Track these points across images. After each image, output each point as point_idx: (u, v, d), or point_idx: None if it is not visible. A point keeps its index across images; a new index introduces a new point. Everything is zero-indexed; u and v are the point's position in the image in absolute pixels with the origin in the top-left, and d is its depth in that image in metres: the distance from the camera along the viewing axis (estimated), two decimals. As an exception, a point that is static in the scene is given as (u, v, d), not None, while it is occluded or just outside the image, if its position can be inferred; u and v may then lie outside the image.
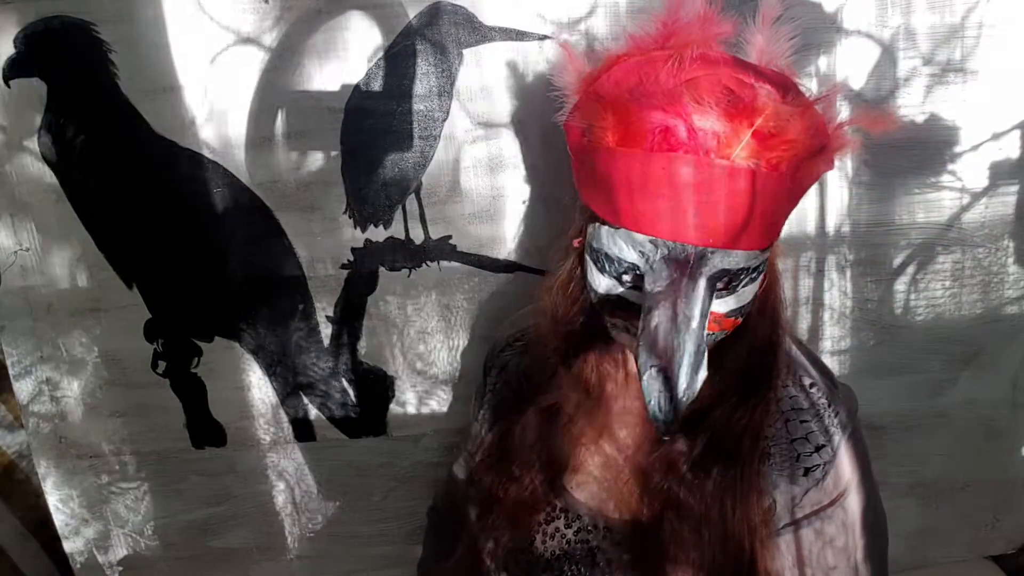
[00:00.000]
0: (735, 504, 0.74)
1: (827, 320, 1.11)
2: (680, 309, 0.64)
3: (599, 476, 0.81)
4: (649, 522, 0.76)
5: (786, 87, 0.66)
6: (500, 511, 0.83)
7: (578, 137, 0.71)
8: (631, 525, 0.78)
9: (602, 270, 0.70)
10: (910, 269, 1.09)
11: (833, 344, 1.12)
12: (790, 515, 0.77)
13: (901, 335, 1.12)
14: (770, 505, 0.76)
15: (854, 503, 0.78)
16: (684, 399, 0.64)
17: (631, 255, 0.67)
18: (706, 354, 0.65)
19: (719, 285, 0.67)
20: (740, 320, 0.71)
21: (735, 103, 0.63)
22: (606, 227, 0.69)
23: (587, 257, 0.72)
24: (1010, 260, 1.10)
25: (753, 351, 0.75)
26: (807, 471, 0.76)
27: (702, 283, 0.65)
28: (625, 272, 0.68)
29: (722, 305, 0.68)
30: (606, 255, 0.69)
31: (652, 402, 0.65)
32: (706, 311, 0.65)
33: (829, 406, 0.79)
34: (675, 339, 0.64)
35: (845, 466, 0.78)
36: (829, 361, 1.12)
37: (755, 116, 0.62)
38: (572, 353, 0.79)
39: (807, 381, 0.80)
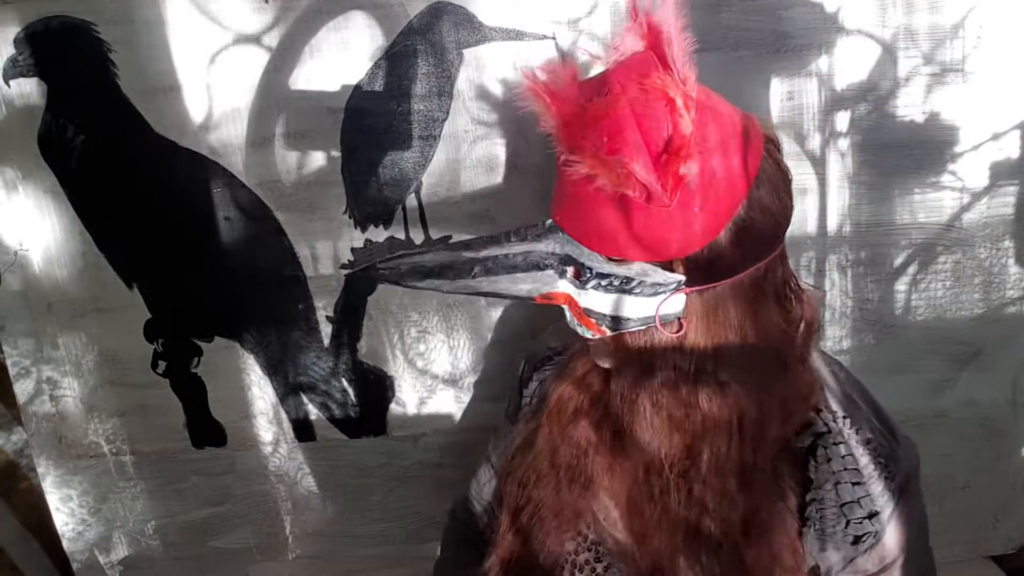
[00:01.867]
0: (770, 561, 0.71)
1: (827, 320, 1.11)
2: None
3: (628, 510, 0.78)
4: (679, 557, 0.73)
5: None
6: (532, 511, 0.79)
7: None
8: (662, 561, 0.75)
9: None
10: (910, 269, 1.09)
11: (833, 344, 1.12)
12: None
13: (901, 335, 1.12)
14: (812, 570, 0.73)
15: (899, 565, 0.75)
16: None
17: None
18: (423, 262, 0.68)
19: (568, 272, 0.67)
20: (604, 330, 0.68)
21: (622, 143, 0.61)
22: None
23: None
24: (1010, 260, 1.10)
25: (775, 402, 0.70)
26: (857, 539, 0.72)
27: (548, 244, 0.67)
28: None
29: (580, 297, 0.68)
30: None
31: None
32: (512, 257, 0.67)
33: (886, 467, 0.73)
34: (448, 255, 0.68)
35: (896, 535, 0.73)
36: (829, 361, 1.12)
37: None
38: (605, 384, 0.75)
39: (865, 436, 0.74)
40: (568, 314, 0.71)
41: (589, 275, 0.66)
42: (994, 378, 1.15)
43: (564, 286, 0.68)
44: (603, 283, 0.66)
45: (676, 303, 0.65)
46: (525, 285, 0.69)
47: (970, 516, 1.23)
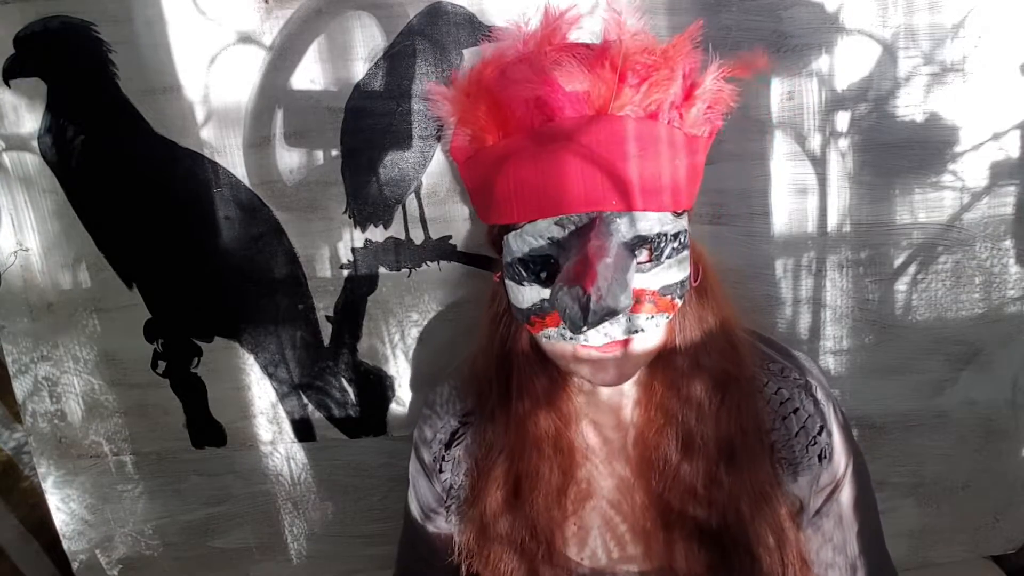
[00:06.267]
0: (755, 517, 0.72)
1: (827, 320, 1.11)
2: (592, 247, 0.60)
3: (605, 530, 0.79)
4: (674, 558, 0.74)
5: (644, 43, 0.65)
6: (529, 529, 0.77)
7: (466, 155, 0.70)
8: (659, 569, 0.76)
9: (521, 280, 0.67)
10: (911, 269, 1.09)
11: (833, 344, 1.12)
12: (817, 501, 0.77)
13: (901, 335, 1.12)
14: (799, 505, 0.76)
15: (853, 463, 0.80)
16: (606, 302, 0.57)
17: (541, 245, 0.64)
18: (632, 283, 0.61)
19: (642, 257, 0.64)
20: (677, 302, 0.67)
21: (593, 53, 0.63)
22: (511, 234, 0.66)
23: (507, 281, 0.69)
24: (1010, 260, 1.10)
25: (711, 351, 0.73)
26: (819, 456, 0.76)
27: (614, 245, 0.61)
28: (542, 269, 0.65)
29: (653, 280, 0.65)
30: (519, 260, 0.66)
31: (567, 310, 0.58)
32: (625, 257, 0.61)
33: (807, 384, 0.78)
34: (589, 269, 0.58)
35: (840, 439, 0.78)
36: (830, 361, 1.12)
37: (615, 57, 0.61)
38: (519, 405, 0.75)
39: (776, 367, 0.79)
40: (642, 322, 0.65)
41: (663, 242, 0.65)
42: (994, 378, 1.15)
43: (638, 281, 0.64)
44: (675, 245, 0.66)
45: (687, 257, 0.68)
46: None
47: (970, 516, 1.23)
